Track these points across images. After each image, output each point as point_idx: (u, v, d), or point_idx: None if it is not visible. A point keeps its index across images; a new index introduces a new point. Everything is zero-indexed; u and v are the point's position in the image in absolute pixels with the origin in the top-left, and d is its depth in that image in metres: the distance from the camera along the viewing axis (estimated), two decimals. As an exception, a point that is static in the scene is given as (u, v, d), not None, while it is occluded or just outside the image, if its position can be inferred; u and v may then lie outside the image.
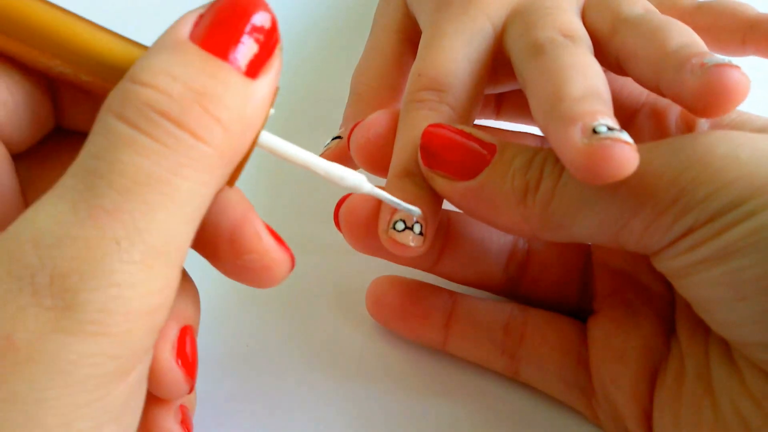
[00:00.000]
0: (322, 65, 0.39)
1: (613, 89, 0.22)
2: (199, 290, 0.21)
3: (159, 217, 0.15)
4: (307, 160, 0.19)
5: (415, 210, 0.22)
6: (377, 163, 0.24)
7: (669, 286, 0.23)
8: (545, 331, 0.25)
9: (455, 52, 0.24)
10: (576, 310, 0.26)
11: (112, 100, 0.15)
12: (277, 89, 0.17)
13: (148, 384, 0.18)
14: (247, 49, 0.16)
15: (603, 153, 0.17)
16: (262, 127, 0.17)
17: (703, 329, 0.21)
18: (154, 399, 0.20)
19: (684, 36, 0.22)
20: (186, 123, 0.15)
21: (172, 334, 0.19)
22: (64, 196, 0.15)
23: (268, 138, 0.18)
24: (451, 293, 0.26)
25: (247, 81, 0.16)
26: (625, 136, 0.18)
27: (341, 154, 0.26)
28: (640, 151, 0.18)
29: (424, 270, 0.26)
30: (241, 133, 0.16)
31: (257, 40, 0.16)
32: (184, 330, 0.19)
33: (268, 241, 0.19)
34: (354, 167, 0.25)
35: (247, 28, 0.16)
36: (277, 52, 0.17)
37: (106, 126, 0.15)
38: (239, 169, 0.18)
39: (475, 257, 0.25)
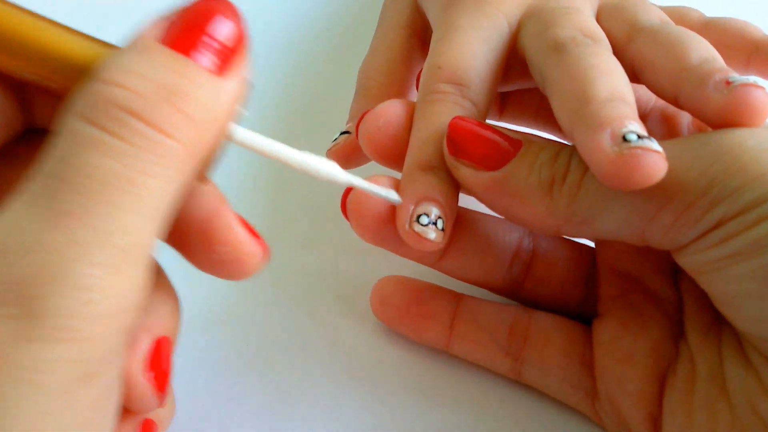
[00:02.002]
0: (325, 66, 0.38)
1: None
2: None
3: (126, 218, 0.15)
4: (280, 153, 0.19)
5: (395, 198, 0.21)
6: (389, 153, 0.24)
7: (676, 289, 0.23)
8: (549, 333, 0.25)
9: (473, 48, 0.24)
10: (578, 313, 0.26)
11: (77, 100, 0.15)
12: (247, 88, 0.17)
13: None
14: (214, 49, 0.16)
15: (634, 162, 0.18)
16: (233, 122, 0.18)
17: (714, 331, 0.21)
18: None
19: (704, 50, 0.22)
20: (155, 120, 0.15)
21: (144, 346, 0.18)
22: (27, 201, 0.15)
23: (240, 132, 0.18)
24: (455, 294, 0.26)
25: (215, 78, 0.16)
26: (655, 145, 0.18)
27: (350, 149, 0.26)
28: (668, 144, 0.18)
29: (428, 265, 0.26)
30: (209, 129, 0.16)
31: (224, 41, 0.16)
32: (159, 342, 0.18)
33: (241, 233, 0.19)
34: (364, 161, 0.26)
35: (214, 29, 0.16)
36: (244, 51, 0.17)
37: (70, 128, 0.15)
38: (209, 164, 0.18)
39: (479, 255, 0.25)
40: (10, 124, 0.19)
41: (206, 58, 0.16)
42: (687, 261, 0.20)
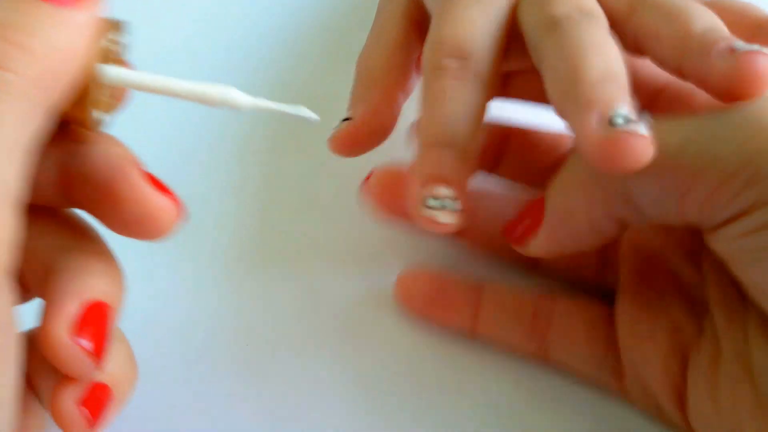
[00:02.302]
0: (321, 61, 0.38)
1: (632, 70, 0.21)
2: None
3: None
4: (165, 85, 0.18)
5: (307, 114, 0.20)
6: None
7: (698, 269, 0.24)
8: (573, 314, 0.25)
9: (475, 21, 0.24)
10: (596, 283, 0.26)
11: None
12: (118, 24, 0.17)
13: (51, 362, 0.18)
14: None
15: (618, 146, 0.18)
16: (100, 60, 0.17)
17: (740, 312, 0.22)
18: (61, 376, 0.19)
19: (708, 19, 0.21)
20: None
21: (71, 309, 0.18)
22: None
23: (112, 71, 0.18)
24: (478, 283, 0.27)
25: (58, 9, 0.16)
26: (642, 129, 0.18)
27: (353, 136, 0.26)
28: (707, 116, 0.19)
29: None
30: (57, 60, 0.16)
31: None
32: (91, 306, 0.18)
33: (146, 188, 0.19)
34: (368, 148, 0.25)
35: None
36: None
37: None
38: (85, 107, 0.17)
39: (498, 225, 0.26)
40: None
41: None
42: (719, 247, 0.20)
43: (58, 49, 0.16)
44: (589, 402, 0.25)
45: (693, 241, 0.24)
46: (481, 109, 0.23)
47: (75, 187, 0.19)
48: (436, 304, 0.27)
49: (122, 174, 0.19)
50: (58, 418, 0.19)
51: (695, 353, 0.22)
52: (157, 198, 0.19)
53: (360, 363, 0.26)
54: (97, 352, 0.18)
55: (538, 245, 0.23)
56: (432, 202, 0.21)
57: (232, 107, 0.18)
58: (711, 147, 0.19)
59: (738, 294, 0.22)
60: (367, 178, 0.26)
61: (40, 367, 0.20)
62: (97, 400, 0.19)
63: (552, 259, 0.27)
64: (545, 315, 0.25)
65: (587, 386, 0.25)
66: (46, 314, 0.18)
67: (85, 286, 0.19)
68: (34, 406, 0.21)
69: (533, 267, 0.27)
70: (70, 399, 0.19)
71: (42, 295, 0.19)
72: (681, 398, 0.23)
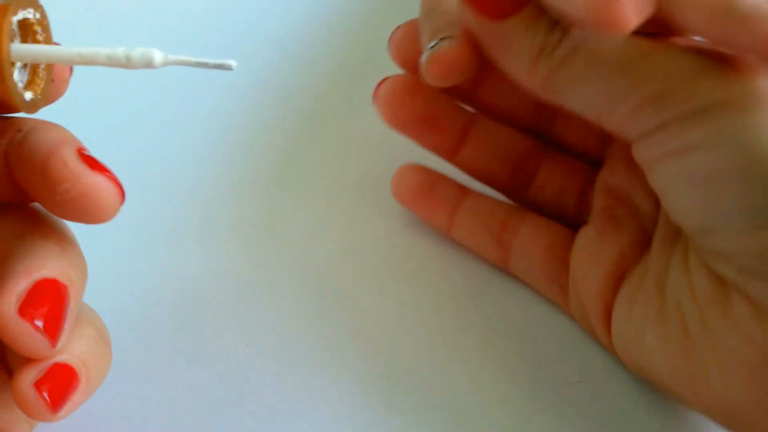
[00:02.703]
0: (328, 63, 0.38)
1: None
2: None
3: None
4: (79, 54, 0.18)
5: (230, 64, 0.19)
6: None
7: (657, 207, 0.25)
8: (537, 231, 0.27)
9: None
10: (572, 224, 0.28)
11: None
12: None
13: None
14: None
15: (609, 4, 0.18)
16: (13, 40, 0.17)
17: (672, 239, 0.23)
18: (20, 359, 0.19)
19: None
20: None
21: (21, 286, 0.18)
22: None
23: (19, 48, 0.17)
24: (464, 188, 0.29)
25: None
26: None
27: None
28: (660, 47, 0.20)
29: (443, 157, 0.28)
30: None
31: None
32: (41, 283, 0.18)
33: (77, 167, 0.18)
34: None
35: None
36: None
37: None
38: (7, 89, 0.17)
39: (491, 153, 0.28)
40: None
41: None
42: (636, 156, 0.21)
43: None
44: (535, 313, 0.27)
45: None
46: None
47: (18, 176, 0.19)
48: (422, 198, 0.29)
49: (55, 154, 0.18)
50: (17, 400, 0.18)
51: (628, 277, 0.24)
52: (90, 176, 0.18)
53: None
54: (51, 330, 0.18)
55: (477, 26, 0.22)
56: (424, 55, 0.23)
57: (151, 66, 0.18)
58: (638, 72, 0.20)
59: (676, 228, 0.23)
60: (379, 84, 0.27)
61: (11, 354, 0.20)
62: (59, 381, 0.19)
63: (536, 196, 0.28)
64: (513, 227, 0.27)
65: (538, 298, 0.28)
66: None
67: (37, 265, 0.18)
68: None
69: (518, 198, 0.29)
70: (27, 380, 0.18)
71: None
72: (607, 318, 0.24)
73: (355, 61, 0.36)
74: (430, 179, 0.29)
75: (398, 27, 0.27)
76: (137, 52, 0.17)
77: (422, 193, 0.29)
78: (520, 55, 0.21)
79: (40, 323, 0.18)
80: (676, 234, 0.23)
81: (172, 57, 0.18)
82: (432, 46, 0.23)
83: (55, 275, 0.19)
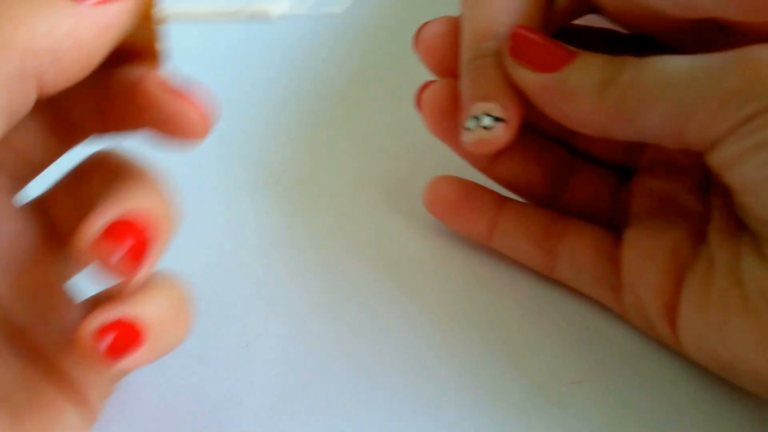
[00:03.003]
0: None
1: None
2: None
3: None
4: (212, 11, 0.20)
5: (337, 10, 0.23)
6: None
7: (704, 203, 0.25)
8: (582, 234, 0.27)
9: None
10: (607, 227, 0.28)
11: None
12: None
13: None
14: None
15: None
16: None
17: (735, 236, 0.23)
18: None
19: None
20: None
21: (109, 215, 0.18)
22: None
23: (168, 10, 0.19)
24: (501, 196, 0.29)
25: (71, 4, 0.17)
26: None
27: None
28: (714, 55, 0.21)
29: (479, 168, 0.28)
30: (57, 41, 0.17)
31: None
32: (132, 215, 0.19)
33: (167, 87, 0.20)
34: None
35: None
36: None
37: None
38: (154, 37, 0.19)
39: (526, 164, 0.28)
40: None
41: None
42: (717, 158, 0.21)
43: (60, 34, 0.17)
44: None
45: (702, 179, 0.26)
46: (531, 6, 0.25)
47: (109, 108, 0.20)
48: (459, 209, 0.29)
49: (143, 81, 0.20)
50: (76, 343, 0.18)
51: (690, 272, 0.24)
52: (182, 97, 0.20)
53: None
54: (133, 260, 0.18)
55: (533, 81, 0.23)
56: (470, 123, 0.24)
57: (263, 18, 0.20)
58: (713, 77, 0.21)
59: (735, 222, 0.24)
60: (422, 89, 0.27)
61: None
62: (121, 336, 0.19)
63: (570, 203, 0.28)
64: (557, 231, 0.27)
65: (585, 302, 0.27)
66: (82, 224, 0.18)
67: (126, 201, 0.19)
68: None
69: (552, 207, 0.29)
70: (90, 326, 0.18)
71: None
72: (671, 313, 0.24)
73: (373, 59, 0.36)
74: (467, 189, 0.29)
75: (427, 25, 0.27)
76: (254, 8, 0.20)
77: (461, 203, 0.29)
78: (583, 94, 0.22)
79: (123, 251, 0.18)
80: (736, 227, 0.23)
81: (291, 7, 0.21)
82: (482, 125, 0.23)
83: (144, 212, 0.19)
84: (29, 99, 0.17)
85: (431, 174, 0.29)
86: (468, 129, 0.24)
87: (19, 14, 0.17)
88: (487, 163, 0.28)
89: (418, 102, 0.27)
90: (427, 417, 0.24)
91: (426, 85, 0.26)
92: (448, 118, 0.26)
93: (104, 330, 0.18)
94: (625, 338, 0.26)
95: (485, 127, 0.23)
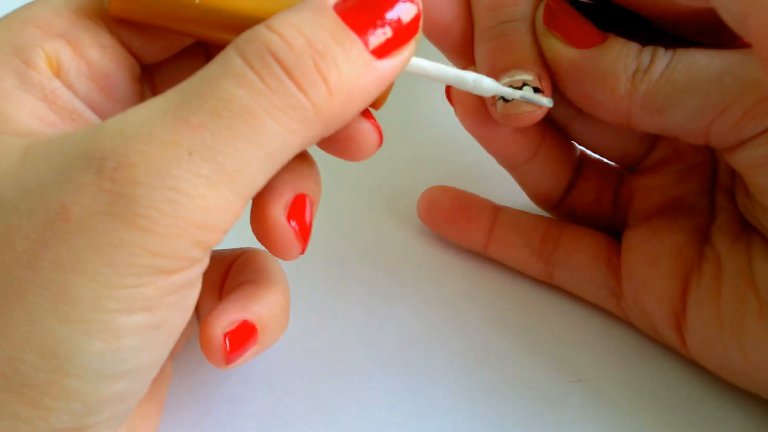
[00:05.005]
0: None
1: None
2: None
3: (238, 144, 0.16)
4: (435, 71, 0.20)
5: (547, 101, 0.22)
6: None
7: (711, 207, 0.25)
8: (579, 239, 0.27)
9: None
10: (608, 229, 0.28)
11: (241, 37, 0.16)
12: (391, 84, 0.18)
13: (262, 242, 0.19)
14: (382, 31, 0.17)
15: None
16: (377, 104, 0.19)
17: (744, 238, 0.23)
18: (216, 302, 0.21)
19: None
20: (294, 73, 0.16)
21: (287, 196, 0.19)
22: (161, 102, 0.16)
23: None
24: (495, 205, 0.28)
25: (370, 57, 0.17)
26: None
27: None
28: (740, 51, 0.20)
29: (511, 166, 0.27)
30: (345, 102, 0.17)
31: (395, 26, 0.17)
32: (301, 196, 0.20)
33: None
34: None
35: (390, 14, 0.17)
36: (411, 42, 0.18)
37: (225, 56, 0.16)
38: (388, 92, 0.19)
39: (554, 164, 0.27)
40: (177, 39, 0.20)
41: (372, 39, 0.17)
42: (745, 156, 0.21)
43: (353, 96, 0.17)
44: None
45: (709, 180, 0.25)
46: None
47: None
48: (455, 218, 0.28)
49: None
50: (203, 342, 0.20)
51: (696, 276, 0.23)
52: (361, 121, 0.19)
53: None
54: (304, 237, 0.20)
55: (564, 54, 0.22)
56: (515, 92, 0.22)
57: (481, 92, 0.21)
58: (748, 72, 0.20)
59: (742, 223, 0.23)
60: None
61: (205, 288, 0.21)
62: (242, 337, 0.20)
63: (574, 203, 0.28)
64: (554, 237, 0.27)
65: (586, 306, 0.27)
66: (262, 201, 0.19)
67: (298, 180, 0.20)
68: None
69: (557, 208, 0.28)
70: (219, 327, 0.20)
71: None
72: (678, 318, 0.24)
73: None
74: (462, 199, 0.29)
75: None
76: (480, 81, 0.21)
77: (456, 212, 0.28)
78: (616, 79, 0.22)
79: (296, 230, 0.19)
80: (741, 229, 0.23)
81: (502, 89, 0.22)
82: (523, 96, 0.22)
83: (309, 192, 0.20)
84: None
85: (429, 177, 0.30)
86: (505, 100, 0.23)
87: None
88: (524, 159, 0.26)
89: (449, 94, 0.26)
90: (427, 417, 0.24)
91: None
92: (482, 109, 0.25)
93: (231, 333, 0.20)
94: (625, 338, 0.26)
95: (525, 98, 0.22)
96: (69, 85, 0.18)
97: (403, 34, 0.17)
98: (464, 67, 0.23)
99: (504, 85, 0.22)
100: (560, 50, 0.22)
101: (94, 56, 0.18)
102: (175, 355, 0.24)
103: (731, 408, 0.24)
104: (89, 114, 0.18)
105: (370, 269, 0.29)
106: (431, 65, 0.20)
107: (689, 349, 0.24)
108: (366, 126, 0.19)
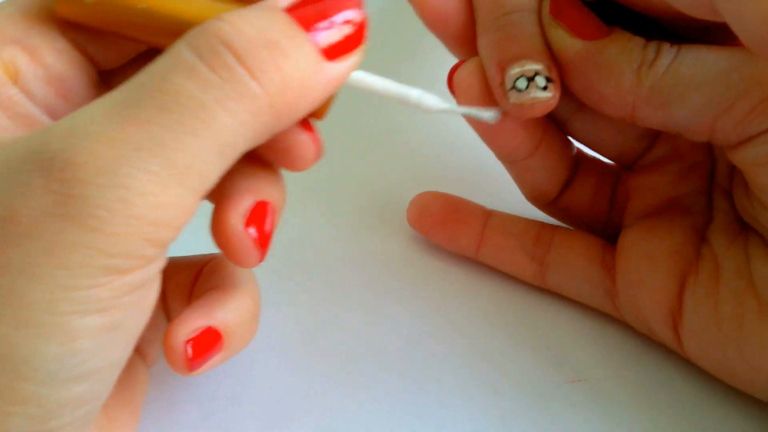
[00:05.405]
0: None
1: None
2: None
3: (188, 139, 0.15)
4: (379, 85, 0.20)
5: (495, 117, 0.22)
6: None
7: (709, 208, 0.25)
8: (572, 240, 0.27)
9: None
10: (603, 232, 0.27)
11: (190, 31, 0.16)
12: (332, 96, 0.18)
13: (221, 249, 0.19)
14: (331, 34, 0.17)
15: None
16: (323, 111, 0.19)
17: (741, 238, 0.23)
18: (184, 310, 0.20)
19: None
20: (247, 60, 0.16)
21: (247, 203, 0.19)
22: (109, 100, 0.16)
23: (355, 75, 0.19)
24: (486, 209, 0.28)
25: (320, 57, 0.17)
26: None
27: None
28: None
29: (512, 162, 0.26)
30: (297, 97, 0.17)
31: (343, 31, 0.17)
32: (261, 203, 0.19)
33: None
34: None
35: (337, 18, 0.17)
36: (358, 49, 0.18)
37: (174, 49, 0.16)
38: (330, 102, 0.19)
39: (555, 161, 0.26)
40: (132, 45, 0.20)
41: (320, 39, 0.17)
42: (748, 153, 0.21)
43: (303, 89, 0.17)
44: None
45: (707, 180, 0.25)
46: None
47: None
48: (446, 223, 0.28)
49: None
50: (166, 350, 0.20)
51: (693, 275, 0.23)
52: (299, 133, 0.19)
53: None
54: (263, 245, 0.19)
55: (568, 45, 0.22)
56: (520, 83, 0.22)
57: (424, 110, 0.20)
58: (755, 69, 0.20)
59: (740, 224, 0.23)
60: (453, 70, 0.25)
61: (176, 293, 0.22)
62: (205, 344, 0.20)
63: (570, 203, 0.27)
64: (547, 238, 0.27)
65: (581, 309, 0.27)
66: (222, 207, 0.19)
67: (259, 186, 0.20)
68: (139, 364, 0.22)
69: (553, 207, 0.28)
70: (180, 335, 0.20)
71: (212, 197, 0.20)
72: (674, 318, 0.24)
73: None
74: (452, 204, 0.28)
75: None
76: (422, 98, 0.20)
77: (447, 217, 0.28)
78: (620, 72, 0.21)
79: (255, 236, 0.19)
80: (739, 228, 0.23)
81: (447, 106, 0.21)
82: (535, 85, 0.22)
83: (268, 199, 0.20)
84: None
85: (421, 183, 0.29)
86: (518, 90, 0.22)
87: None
88: (526, 154, 0.25)
89: (450, 84, 0.25)
90: (427, 417, 0.24)
91: (457, 66, 0.24)
92: (485, 99, 0.24)
93: (193, 340, 0.20)
94: (625, 338, 0.26)
95: (540, 87, 0.22)
96: (26, 91, 0.18)
97: (350, 40, 0.17)
98: (465, 58, 0.23)
99: (515, 75, 0.22)
100: (566, 41, 0.22)
101: (50, 60, 0.18)
102: (154, 361, 0.23)
103: (731, 408, 0.24)
104: (45, 119, 0.18)
105: (367, 273, 0.29)
106: (376, 79, 0.20)
107: (685, 348, 0.24)
108: (304, 137, 0.19)
